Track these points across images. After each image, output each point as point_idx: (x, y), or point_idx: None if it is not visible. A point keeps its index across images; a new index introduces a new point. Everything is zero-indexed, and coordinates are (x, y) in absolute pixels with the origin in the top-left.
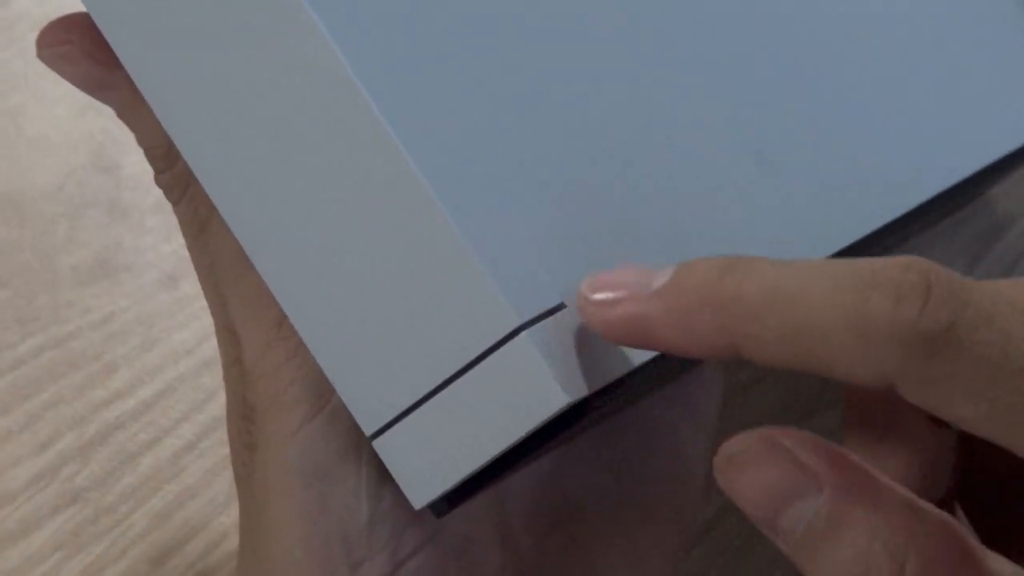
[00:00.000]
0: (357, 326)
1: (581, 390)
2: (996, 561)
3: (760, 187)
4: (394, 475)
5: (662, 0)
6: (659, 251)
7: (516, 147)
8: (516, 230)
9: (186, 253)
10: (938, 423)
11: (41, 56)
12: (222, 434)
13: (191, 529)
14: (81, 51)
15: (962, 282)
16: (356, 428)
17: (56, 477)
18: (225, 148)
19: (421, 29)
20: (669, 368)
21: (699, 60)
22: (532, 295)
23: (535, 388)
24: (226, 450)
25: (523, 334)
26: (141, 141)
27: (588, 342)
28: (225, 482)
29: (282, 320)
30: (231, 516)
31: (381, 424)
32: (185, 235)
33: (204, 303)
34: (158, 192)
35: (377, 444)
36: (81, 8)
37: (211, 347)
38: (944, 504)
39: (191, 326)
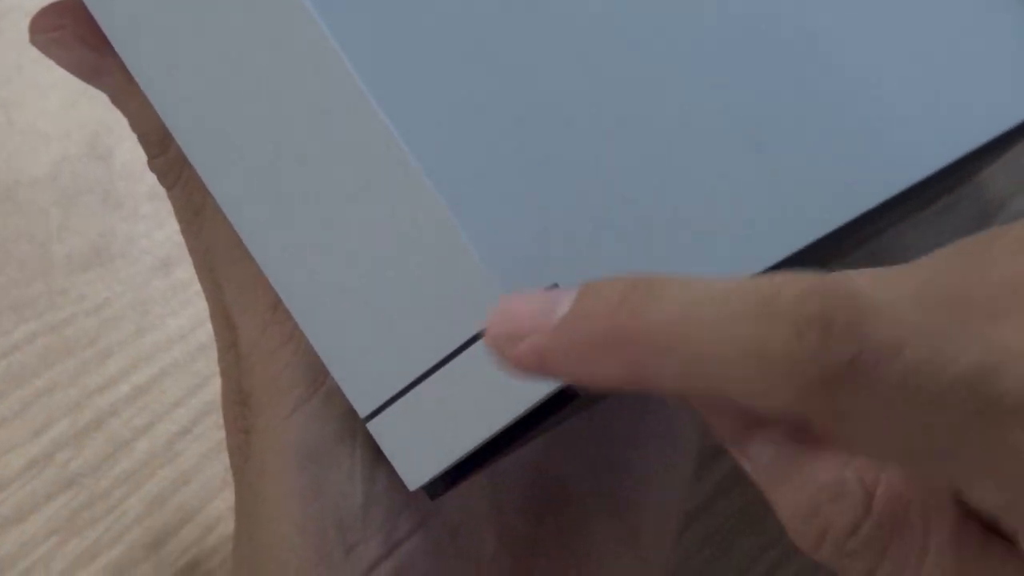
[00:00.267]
0: (351, 309)
1: None
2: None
3: (753, 170)
4: (389, 456)
5: None
6: (653, 233)
7: (509, 131)
8: (509, 212)
9: (180, 240)
10: None
11: (34, 41)
12: (217, 419)
13: (186, 514)
14: (74, 36)
15: (865, 309)
16: (351, 411)
17: (51, 463)
18: (219, 132)
19: (408, 4)
20: None
21: (692, 44)
22: (525, 277)
23: None
24: (221, 435)
25: None
26: (135, 126)
27: None
28: (220, 466)
29: (277, 304)
30: (226, 500)
31: (376, 406)
32: (179, 220)
33: (198, 289)
34: (152, 180)
35: (372, 426)
36: None
37: (205, 333)
38: None
39: (185, 312)
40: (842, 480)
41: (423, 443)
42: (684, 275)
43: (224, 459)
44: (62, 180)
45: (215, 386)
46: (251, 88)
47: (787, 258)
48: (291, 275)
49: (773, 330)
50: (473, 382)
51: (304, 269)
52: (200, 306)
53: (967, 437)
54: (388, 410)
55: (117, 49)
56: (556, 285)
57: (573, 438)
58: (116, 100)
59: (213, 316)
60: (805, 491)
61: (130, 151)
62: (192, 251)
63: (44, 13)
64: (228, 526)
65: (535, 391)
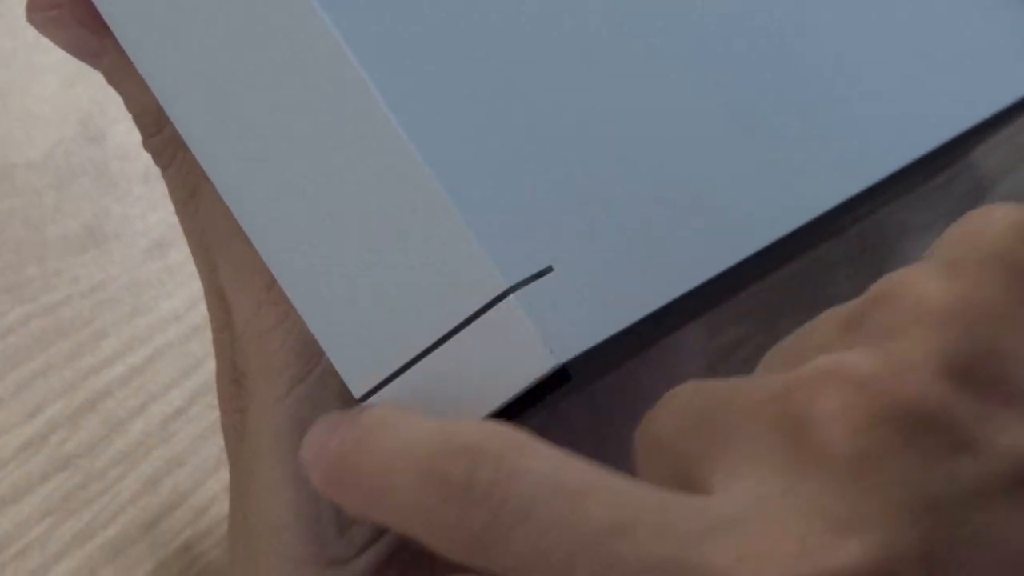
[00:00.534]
0: (346, 289)
1: (568, 352)
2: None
3: (749, 152)
4: None
5: None
6: (648, 214)
7: (505, 112)
8: (505, 193)
9: (174, 221)
10: None
11: (31, 20)
12: (211, 399)
13: (181, 494)
14: (71, 15)
15: (509, 470)
16: (345, 391)
17: (46, 444)
18: (214, 111)
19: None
20: (652, 333)
21: (686, 31)
22: (520, 258)
23: (523, 350)
24: (215, 415)
25: (511, 297)
26: (130, 106)
27: (575, 305)
28: (215, 447)
29: (272, 284)
30: (221, 481)
31: (370, 386)
32: (174, 200)
33: (193, 270)
34: (146, 161)
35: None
36: None
37: (200, 314)
38: None
39: (180, 293)
40: None
41: None
42: (393, 421)
43: (219, 440)
44: (56, 162)
45: (209, 367)
46: (248, 68)
47: (784, 237)
48: (286, 255)
49: (425, 492)
50: (468, 363)
51: (299, 249)
52: (194, 287)
53: None
54: (382, 391)
55: (112, 28)
56: (551, 268)
57: (564, 420)
58: (111, 80)
59: (208, 296)
60: None
61: (124, 133)
62: (187, 231)
63: None
64: (223, 506)
65: (530, 372)
